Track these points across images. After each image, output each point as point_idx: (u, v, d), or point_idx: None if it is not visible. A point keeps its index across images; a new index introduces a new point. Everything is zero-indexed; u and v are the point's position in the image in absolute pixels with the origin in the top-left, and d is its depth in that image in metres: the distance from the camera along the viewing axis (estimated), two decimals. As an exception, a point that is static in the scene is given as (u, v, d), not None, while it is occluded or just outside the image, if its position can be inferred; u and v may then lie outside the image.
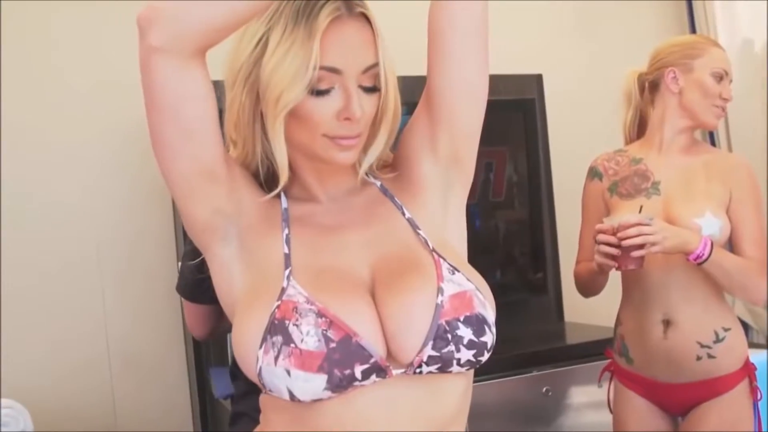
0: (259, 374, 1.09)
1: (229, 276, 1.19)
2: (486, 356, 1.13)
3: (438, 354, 1.10)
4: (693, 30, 3.63)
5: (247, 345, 1.11)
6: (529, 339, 2.96)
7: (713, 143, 3.52)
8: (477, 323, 1.11)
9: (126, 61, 2.71)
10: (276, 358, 1.08)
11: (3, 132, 2.73)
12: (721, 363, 2.12)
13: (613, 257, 2.03)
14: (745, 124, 3.47)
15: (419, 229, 1.21)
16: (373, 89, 1.17)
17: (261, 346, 1.09)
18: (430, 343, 1.09)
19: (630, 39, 3.46)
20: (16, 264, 2.74)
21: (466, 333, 1.10)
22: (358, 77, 1.15)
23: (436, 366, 1.11)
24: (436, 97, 1.23)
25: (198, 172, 1.13)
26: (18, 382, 2.62)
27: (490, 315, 1.13)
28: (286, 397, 1.09)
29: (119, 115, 2.85)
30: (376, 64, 1.16)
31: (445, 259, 1.16)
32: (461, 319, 1.11)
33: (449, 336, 1.10)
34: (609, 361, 2.33)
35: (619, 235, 2.00)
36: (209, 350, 2.75)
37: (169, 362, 2.93)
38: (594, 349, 2.68)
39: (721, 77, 2.19)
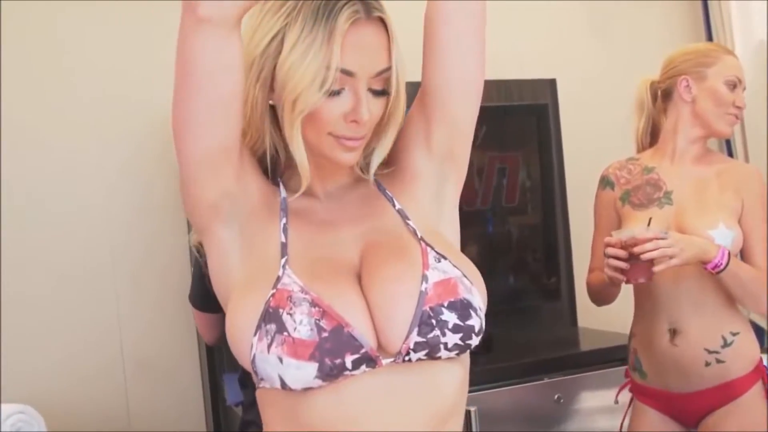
0: (253, 362, 1.11)
1: (226, 259, 1.20)
2: (475, 340, 1.14)
3: (424, 339, 1.12)
4: (709, 32, 3.60)
5: (241, 332, 1.13)
6: (542, 345, 2.96)
7: (729, 146, 3.50)
8: (462, 308, 1.13)
9: (140, 62, 2.77)
10: (269, 346, 1.09)
11: (14, 135, 2.74)
12: (731, 367, 2.11)
13: (622, 270, 2.03)
14: (761, 126, 3.44)
15: (408, 220, 1.23)
16: (382, 93, 1.19)
17: (255, 334, 1.10)
18: (416, 330, 1.11)
19: (645, 42, 3.44)
20: (30, 269, 2.75)
21: (450, 318, 1.12)
22: (369, 80, 1.16)
23: (423, 352, 1.12)
24: (430, 94, 1.24)
25: (218, 150, 1.13)
26: (31, 386, 2.63)
27: (477, 300, 1.15)
28: (278, 385, 1.11)
29: (133, 120, 2.86)
30: (388, 69, 1.18)
31: (432, 248, 1.18)
32: (445, 304, 1.12)
33: (434, 321, 1.12)
34: (627, 380, 2.33)
35: (635, 249, 1.99)
36: (222, 356, 2.76)
37: (183, 367, 2.94)
38: (607, 356, 2.67)
39: (734, 85, 2.18)
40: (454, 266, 1.17)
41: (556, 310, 3.19)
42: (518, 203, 3.13)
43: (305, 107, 1.13)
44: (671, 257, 1.97)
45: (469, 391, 2.49)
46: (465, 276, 1.16)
